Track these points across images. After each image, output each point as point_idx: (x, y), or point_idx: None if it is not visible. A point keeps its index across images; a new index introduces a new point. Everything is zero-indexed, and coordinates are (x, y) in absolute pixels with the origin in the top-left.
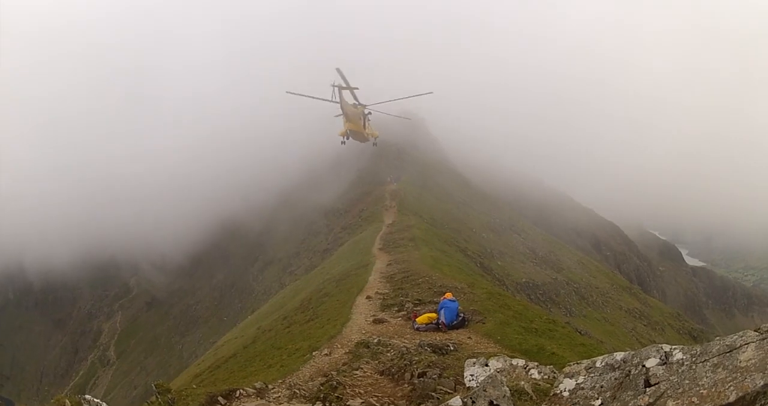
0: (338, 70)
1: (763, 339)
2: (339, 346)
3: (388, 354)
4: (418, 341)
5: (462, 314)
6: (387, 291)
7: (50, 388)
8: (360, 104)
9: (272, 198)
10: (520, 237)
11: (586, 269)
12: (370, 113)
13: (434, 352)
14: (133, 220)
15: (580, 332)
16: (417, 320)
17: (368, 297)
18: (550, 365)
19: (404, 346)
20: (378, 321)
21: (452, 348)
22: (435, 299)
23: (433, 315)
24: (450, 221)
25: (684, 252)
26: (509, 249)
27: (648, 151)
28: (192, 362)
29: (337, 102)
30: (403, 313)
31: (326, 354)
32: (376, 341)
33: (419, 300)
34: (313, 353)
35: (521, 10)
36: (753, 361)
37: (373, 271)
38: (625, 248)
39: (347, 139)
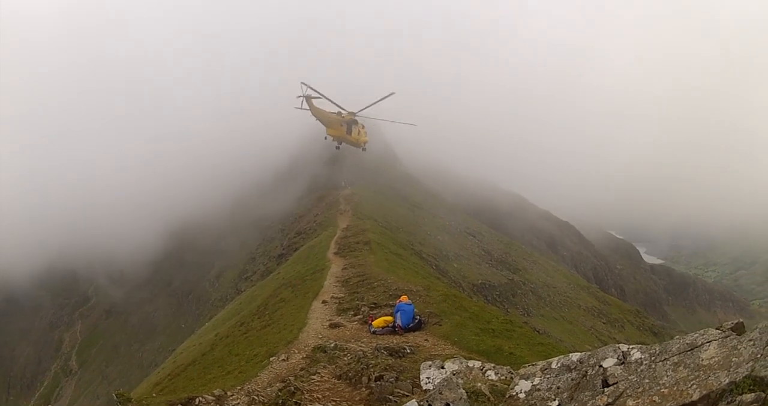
0: (303, 84)
1: (726, 337)
2: (296, 351)
3: (345, 358)
4: (374, 345)
5: (418, 317)
6: (343, 295)
7: (17, 399)
8: (348, 112)
9: (228, 203)
10: (476, 239)
11: (542, 269)
12: (355, 122)
13: (391, 355)
14: (90, 225)
15: (538, 332)
16: (373, 323)
17: (324, 302)
18: (508, 365)
19: (361, 350)
20: (334, 325)
21: (409, 351)
22: (391, 303)
23: (389, 318)
24: (404, 224)
25: (642, 250)
26: (464, 251)
27: (606, 151)
28: (152, 370)
29: (305, 107)
30: (359, 317)
31: (284, 359)
32: (332, 345)
33: (375, 304)
34: (271, 359)
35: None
36: (716, 359)
37: (328, 275)
38: (582, 247)
39: (340, 144)
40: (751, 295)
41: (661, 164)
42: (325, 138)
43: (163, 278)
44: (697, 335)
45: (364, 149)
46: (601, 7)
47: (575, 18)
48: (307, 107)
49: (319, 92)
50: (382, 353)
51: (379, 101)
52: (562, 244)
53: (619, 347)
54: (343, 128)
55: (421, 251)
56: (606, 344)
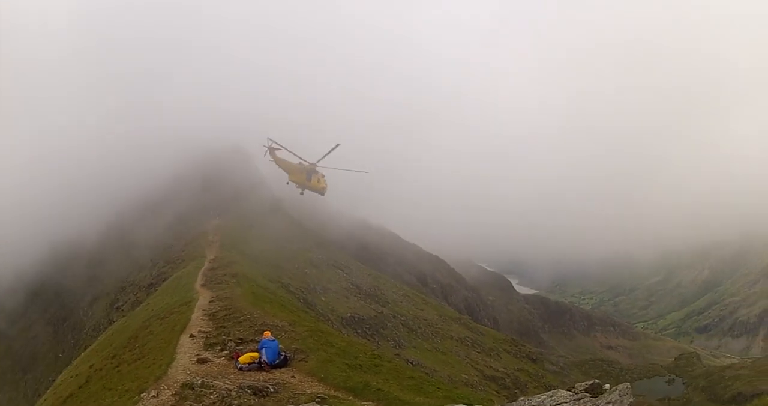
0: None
1: (579, 399)
2: (165, 387)
3: (211, 397)
4: (239, 383)
5: (284, 353)
6: (210, 329)
7: None
8: (309, 163)
9: (104, 228)
10: (344, 273)
11: (412, 302)
12: (315, 171)
13: (255, 394)
14: None
15: (411, 363)
16: (239, 359)
17: (192, 336)
18: (375, 401)
19: (226, 388)
20: (202, 361)
21: (272, 390)
22: (257, 338)
23: (255, 354)
24: (272, 257)
25: (514, 282)
26: (333, 285)
27: (480, 187)
28: (36, 400)
29: (270, 157)
30: (226, 352)
31: (154, 396)
32: (199, 382)
33: (241, 339)
34: (141, 395)
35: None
36: None
37: (196, 308)
38: (452, 280)
39: (303, 190)
40: (633, 318)
41: (535, 197)
42: (287, 183)
43: (41, 305)
44: (544, 396)
45: (322, 194)
46: (490, 47)
47: (459, 55)
48: (270, 157)
49: (281, 146)
50: (246, 392)
51: (329, 153)
52: (432, 277)
53: None
54: (303, 175)
55: (289, 285)
56: (483, 373)
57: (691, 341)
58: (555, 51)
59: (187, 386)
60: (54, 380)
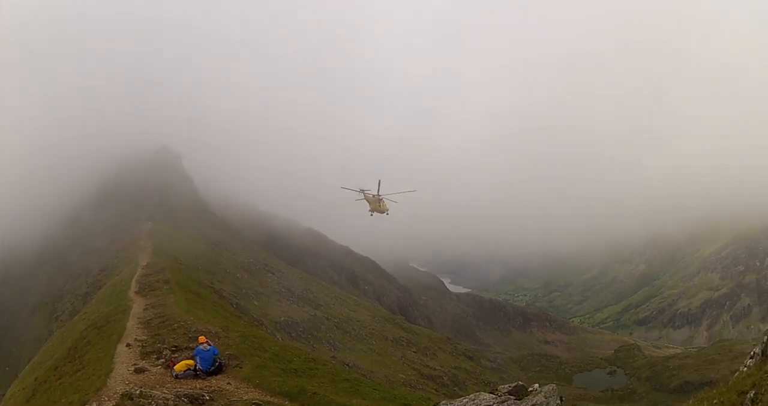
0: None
1: (503, 402)
2: (106, 398)
3: None
4: (176, 391)
5: (219, 360)
6: (145, 338)
7: None
8: (377, 194)
9: (38, 235)
10: (275, 276)
11: (344, 304)
12: (381, 199)
13: (191, 402)
14: None
15: (347, 366)
16: (175, 367)
17: (128, 345)
18: None
19: (163, 397)
20: (139, 370)
21: (208, 397)
22: (191, 345)
23: (191, 362)
24: (204, 262)
25: (447, 281)
26: (265, 289)
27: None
28: None
29: (362, 199)
30: (162, 360)
31: None
32: (138, 392)
33: (176, 346)
34: None
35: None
36: None
37: (131, 316)
38: (384, 281)
39: (372, 213)
40: (569, 314)
41: (473, 198)
42: (369, 210)
43: None
44: (467, 400)
45: (387, 214)
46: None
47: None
48: (363, 197)
49: (359, 189)
50: (183, 400)
51: (399, 192)
52: (363, 278)
53: None
54: (377, 204)
55: (221, 290)
56: (420, 372)
57: (631, 334)
58: (498, 58)
59: (127, 396)
60: (4, 395)
